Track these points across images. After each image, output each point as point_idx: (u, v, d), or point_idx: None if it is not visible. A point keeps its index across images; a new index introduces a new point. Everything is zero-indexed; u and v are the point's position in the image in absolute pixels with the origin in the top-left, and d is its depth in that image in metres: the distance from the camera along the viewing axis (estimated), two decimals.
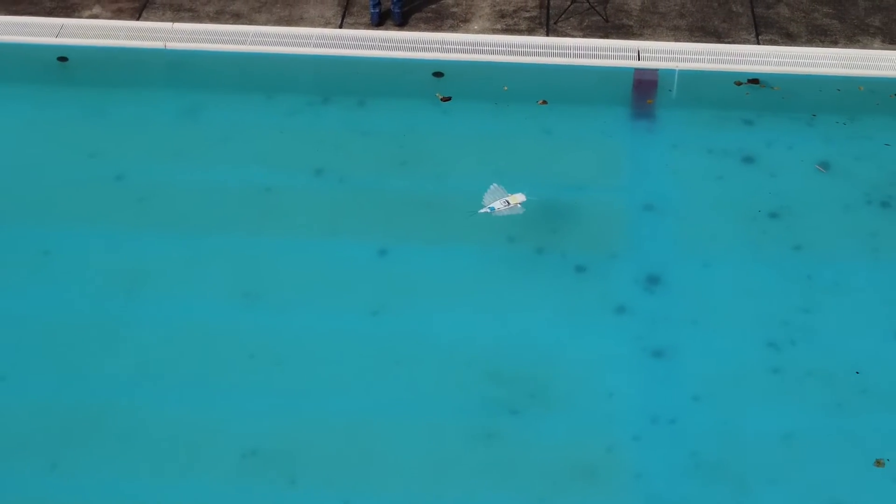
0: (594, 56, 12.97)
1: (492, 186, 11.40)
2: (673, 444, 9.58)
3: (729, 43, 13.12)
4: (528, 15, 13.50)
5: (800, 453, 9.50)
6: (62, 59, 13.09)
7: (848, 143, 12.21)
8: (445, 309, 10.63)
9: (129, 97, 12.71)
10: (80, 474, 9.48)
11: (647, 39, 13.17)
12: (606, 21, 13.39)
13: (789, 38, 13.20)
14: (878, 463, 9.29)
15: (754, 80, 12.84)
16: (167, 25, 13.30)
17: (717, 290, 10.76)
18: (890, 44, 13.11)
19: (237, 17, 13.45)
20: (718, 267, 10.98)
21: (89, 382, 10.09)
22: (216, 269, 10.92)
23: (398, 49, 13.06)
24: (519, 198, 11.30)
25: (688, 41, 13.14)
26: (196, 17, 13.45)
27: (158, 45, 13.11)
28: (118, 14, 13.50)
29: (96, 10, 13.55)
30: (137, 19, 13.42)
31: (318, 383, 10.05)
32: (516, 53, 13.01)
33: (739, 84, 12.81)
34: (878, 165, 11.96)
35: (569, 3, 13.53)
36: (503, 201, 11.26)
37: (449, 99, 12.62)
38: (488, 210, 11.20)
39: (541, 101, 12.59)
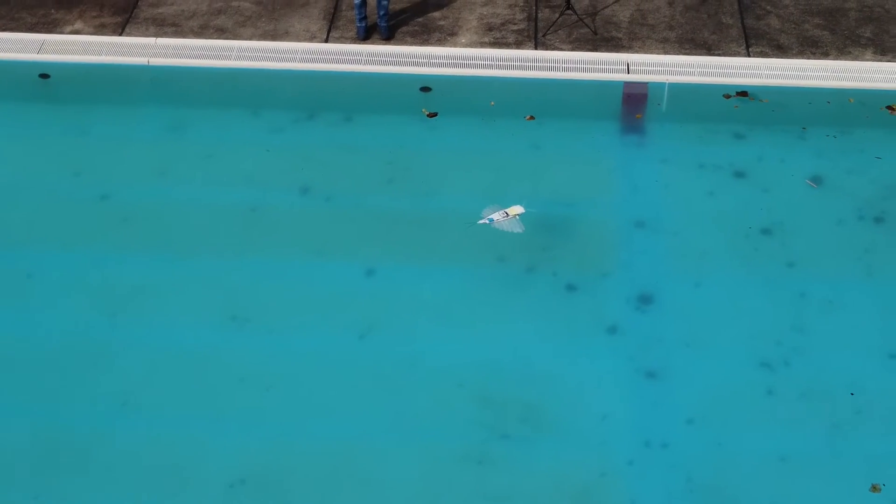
0: (583, 70, 12.83)
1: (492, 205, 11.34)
2: (667, 469, 9.45)
3: (719, 55, 13.00)
4: (515, 28, 13.36)
5: (795, 477, 9.38)
6: (44, 75, 12.90)
7: (839, 157, 12.10)
8: (434, 330, 10.49)
9: (112, 114, 12.54)
10: None
11: (636, 52, 13.04)
12: (595, 34, 13.25)
13: (780, 50, 13.08)
14: (875, 488, 9.18)
15: (743, 93, 12.72)
16: (150, 41, 13.13)
17: (710, 310, 10.63)
18: (881, 55, 13.00)
19: (221, 32, 13.28)
20: (711, 285, 10.86)
21: (73, 409, 9.92)
22: (203, 291, 10.76)
23: (385, 63, 12.91)
24: (517, 209, 11.18)
25: (677, 53, 13.02)
26: (180, 31, 13.28)
27: (142, 60, 12.93)
28: (100, 29, 13.32)
29: (78, 25, 13.37)
30: (120, 35, 13.24)
31: (308, 409, 9.90)
32: (504, 67, 12.87)
33: (728, 97, 12.69)
34: (871, 179, 11.86)
35: (557, 15, 13.39)
36: (501, 213, 11.14)
37: (435, 115, 12.47)
38: (487, 221, 11.07)
39: (528, 117, 12.45)
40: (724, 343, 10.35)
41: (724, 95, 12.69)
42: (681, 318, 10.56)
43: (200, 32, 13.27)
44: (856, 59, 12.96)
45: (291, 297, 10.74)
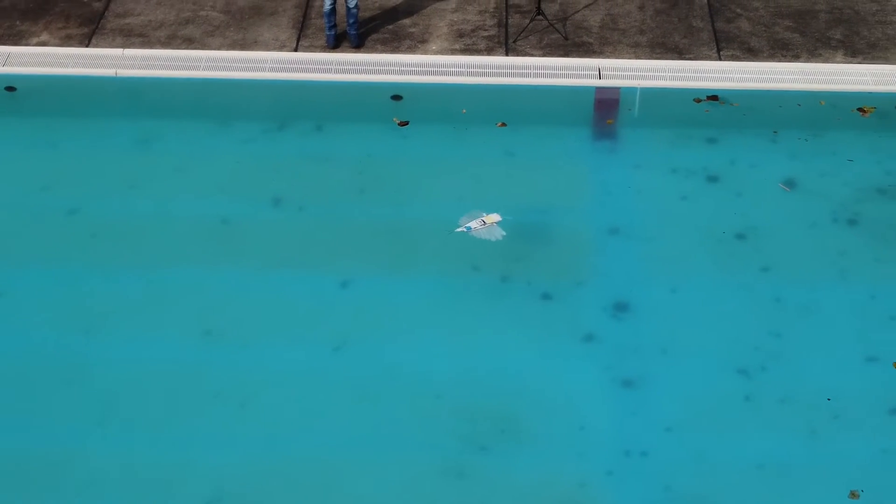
0: (555, 75, 12.80)
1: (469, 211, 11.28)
2: (647, 478, 9.41)
3: (690, 59, 12.98)
4: (486, 34, 13.30)
5: (774, 484, 9.35)
6: (10, 88, 12.76)
7: (812, 160, 12.11)
8: (410, 342, 10.41)
9: (80, 127, 12.42)
10: None
11: (607, 57, 13.00)
12: (566, 39, 13.21)
13: (751, 53, 13.07)
14: (853, 495, 9.17)
15: (713, 97, 12.71)
16: (118, 52, 12.99)
17: (686, 316, 10.60)
18: (851, 57, 13.02)
19: (190, 42, 13.16)
20: (686, 291, 10.83)
21: (47, 428, 9.77)
22: (176, 305, 10.65)
23: (355, 72, 12.83)
24: (494, 217, 11.14)
25: (649, 58, 13.00)
26: (147, 42, 13.15)
27: (109, 72, 12.80)
28: (67, 41, 13.17)
29: (44, 37, 13.21)
30: (87, 46, 13.10)
31: (284, 423, 9.79)
32: (476, 74, 12.81)
33: (699, 101, 12.68)
34: (843, 182, 11.86)
35: (528, 21, 13.34)
36: (479, 221, 11.10)
37: (406, 123, 12.39)
38: (465, 230, 11.02)
39: (500, 124, 12.39)
40: (701, 349, 10.32)
41: (694, 100, 12.68)
42: (657, 325, 10.52)
43: (168, 43, 13.14)
44: (826, 61, 12.98)
45: (265, 310, 10.64)
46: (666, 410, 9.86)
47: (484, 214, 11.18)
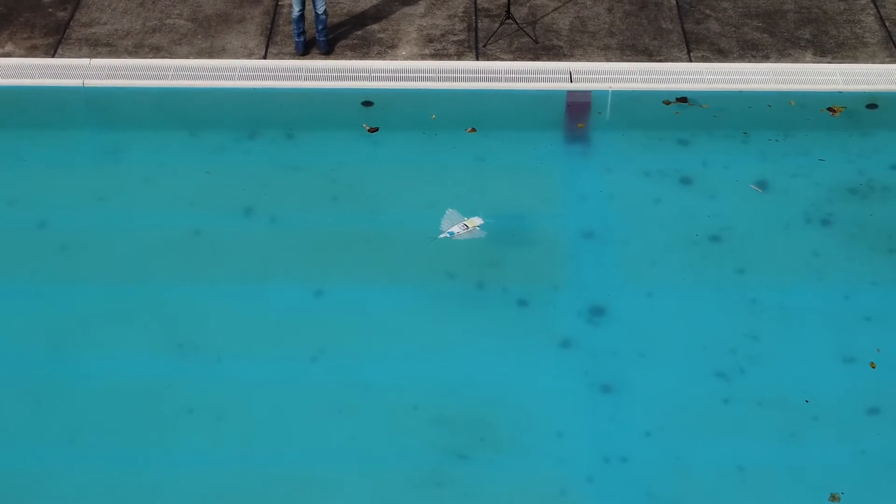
0: (526, 79, 12.74)
1: (448, 211, 11.20)
2: (627, 484, 9.37)
3: (660, 61, 12.97)
4: (455, 38, 13.23)
5: (755, 487, 9.33)
6: None
7: (783, 161, 12.11)
8: (386, 351, 10.34)
9: (47, 139, 12.26)
10: None
11: (578, 60, 12.96)
12: (536, 42, 13.17)
13: (720, 54, 13.07)
14: (833, 497, 9.16)
15: (683, 99, 12.69)
16: (84, 62, 12.84)
17: (663, 320, 10.58)
18: (821, 56, 13.04)
19: (157, 51, 13.02)
20: (662, 295, 10.81)
21: (18, 449, 9.61)
22: (147, 319, 10.52)
23: (325, 79, 12.73)
24: (476, 221, 11.12)
25: (619, 60, 12.97)
26: (114, 51, 13.00)
27: (76, 82, 12.65)
28: (32, 51, 13.01)
29: (8, 47, 13.05)
30: (53, 56, 12.94)
31: (260, 436, 9.69)
32: (446, 79, 12.74)
33: (668, 103, 12.66)
34: (816, 182, 11.88)
35: (497, 25, 13.29)
36: (461, 225, 11.05)
37: (376, 130, 12.31)
38: (447, 235, 10.98)
39: (469, 129, 12.33)
40: (679, 353, 10.30)
41: (663, 102, 12.66)
42: (634, 330, 10.50)
43: (135, 52, 13.01)
44: (796, 61, 12.99)
45: (239, 321, 10.53)
46: (645, 415, 9.83)
47: (465, 219, 11.14)
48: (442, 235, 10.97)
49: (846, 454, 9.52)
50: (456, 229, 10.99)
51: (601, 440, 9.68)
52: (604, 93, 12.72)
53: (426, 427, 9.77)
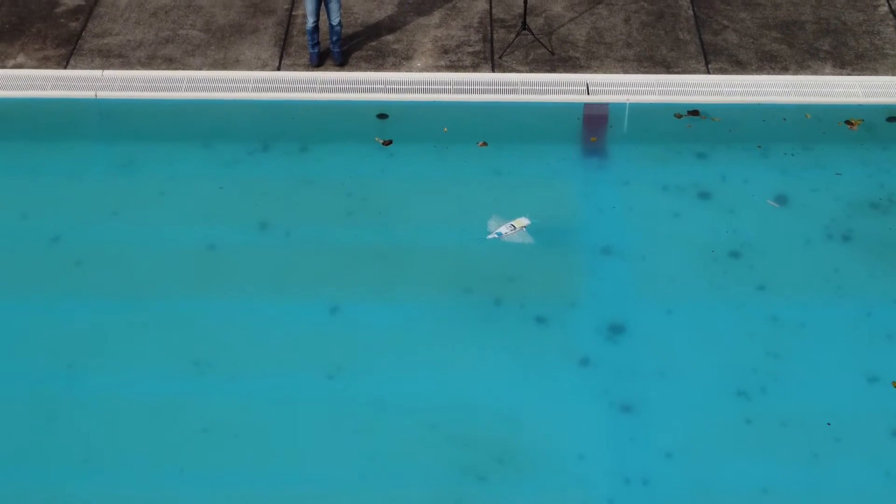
0: (542, 92, 12.62)
1: (494, 215, 11.14)
2: None
3: (678, 73, 12.84)
4: (471, 50, 13.12)
5: None
6: None
7: (803, 174, 11.98)
8: (403, 369, 10.22)
9: (60, 151, 12.17)
10: None
11: (594, 72, 12.84)
12: (552, 54, 13.04)
13: (739, 66, 12.94)
14: None
15: (694, 112, 12.55)
16: (97, 73, 12.74)
17: (683, 337, 10.45)
18: (840, 68, 12.91)
19: (170, 62, 12.92)
20: (682, 312, 10.68)
21: (31, 467, 9.50)
22: (163, 336, 10.41)
23: (340, 91, 12.62)
24: (523, 221, 11.07)
25: (636, 72, 12.85)
26: (126, 63, 12.90)
27: (89, 94, 12.55)
28: (44, 62, 12.91)
29: (20, 59, 12.95)
30: (65, 67, 12.84)
31: (276, 456, 9.57)
32: (462, 91, 12.62)
33: (680, 116, 12.53)
34: (835, 196, 11.74)
35: (513, 36, 13.17)
36: (508, 226, 11.00)
37: (390, 143, 12.19)
38: (496, 236, 10.90)
39: (480, 143, 12.19)
40: (700, 371, 10.17)
41: (675, 115, 12.52)
42: (653, 347, 10.37)
43: (148, 63, 12.90)
44: (815, 72, 12.86)
45: (255, 338, 10.42)
46: (666, 436, 9.70)
47: (512, 219, 11.05)
48: (490, 236, 10.90)
49: (870, 476, 9.39)
50: (504, 230, 10.91)
51: (622, 461, 9.56)
52: (621, 105, 12.60)
53: (444, 447, 9.66)
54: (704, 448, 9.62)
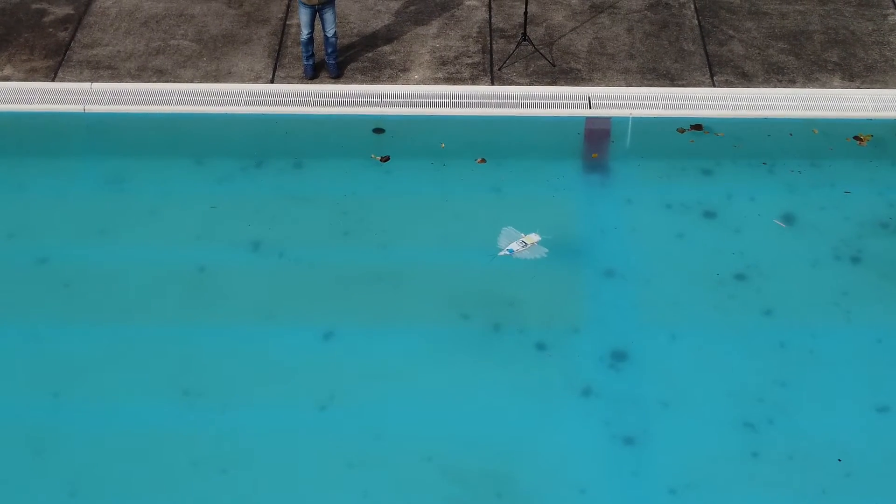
0: (542, 105, 12.29)
1: (504, 229, 10.91)
2: None
3: (682, 85, 12.50)
4: (469, 61, 12.78)
5: None
6: None
7: (810, 192, 11.66)
8: (398, 398, 9.92)
9: (47, 167, 11.85)
10: None
11: (596, 84, 12.50)
12: (553, 65, 12.70)
13: (745, 78, 12.60)
14: None
15: (697, 126, 12.22)
16: (85, 86, 12.41)
17: (687, 365, 10.15)
18: (849, 81, 12.57)
19: (161, 74, 12.58)
20: (686, 338, 10.37)
21: (16, 500, 9.21)
22: (152, 363, 10.11)
23: (335, 104, 12.29)
24: (534, 238, 10.77)
25: (640, 85, 12.51)
26: (116, 74, 12.56)
27: (77, 108, 12.22)
28: (31, 74, 12.57)
29: (7, 71, 12.61)
30: (53, 80, 12.50)
31: (267, 491, 9.27)
32: (461, 105, 12.29)
33: (682, 131, 12.20)
34: (844, 216, 11.42)
35: (513, 46, 12.83)
36: (520, 242, 10.69)
37: (388, 159, 11.87)
38: (507, 253, 10.61)
39: (479, 160, 11.86)
40: (705, 402, 9.87)
41: (677, 129, 12.19)
42: (657, 376, 10.06)
43: (138, 75, 12.57)
44: (823, 85, 12.52)
45: (246, 366, 10.11)
46: (670, 469, 9.40)
47: (523, 235, 10.75)
48: (501, 253, 10.60)
49: None
50: (515, 246, 10.61)
51: (624, 496, 9.26)
52: (624, 119, 12.27)
53: (440, 481, 9.36)
54: (710, 483, 9.31)
